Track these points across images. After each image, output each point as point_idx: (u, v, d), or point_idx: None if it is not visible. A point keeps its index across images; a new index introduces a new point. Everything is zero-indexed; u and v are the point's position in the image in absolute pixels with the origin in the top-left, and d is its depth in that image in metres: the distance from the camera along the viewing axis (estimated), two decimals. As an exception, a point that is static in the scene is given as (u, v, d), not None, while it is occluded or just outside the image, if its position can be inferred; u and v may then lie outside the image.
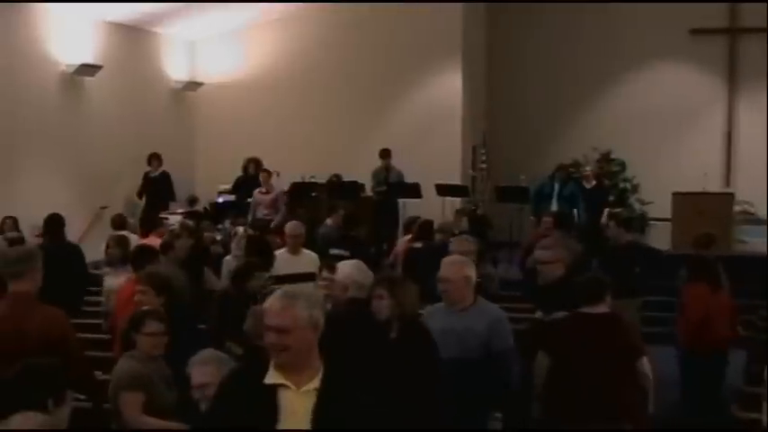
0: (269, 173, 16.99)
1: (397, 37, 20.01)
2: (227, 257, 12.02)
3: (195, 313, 9.28)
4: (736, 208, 18.91)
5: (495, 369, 6.91)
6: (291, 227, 11.24)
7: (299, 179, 18.72)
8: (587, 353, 7.13)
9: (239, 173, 18.51)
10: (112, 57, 18.26)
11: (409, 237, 13.87)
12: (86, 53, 17.61)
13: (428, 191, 18.02)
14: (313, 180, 18.78)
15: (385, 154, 18.40)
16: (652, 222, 20.38)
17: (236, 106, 20.89)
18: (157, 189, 17.84)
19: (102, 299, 10.58)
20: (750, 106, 20.91)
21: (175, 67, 20.79)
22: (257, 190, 16.57)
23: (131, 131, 18.71)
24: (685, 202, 18.21)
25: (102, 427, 6.83)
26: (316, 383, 4.27)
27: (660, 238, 19.10)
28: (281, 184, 18.61)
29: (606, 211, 16.38)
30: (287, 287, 5.01)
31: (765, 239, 17.35)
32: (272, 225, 15.40)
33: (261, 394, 4.25)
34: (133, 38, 19.24)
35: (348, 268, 7.60)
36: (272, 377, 4.28)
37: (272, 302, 4.39)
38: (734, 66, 20.98)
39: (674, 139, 20.94)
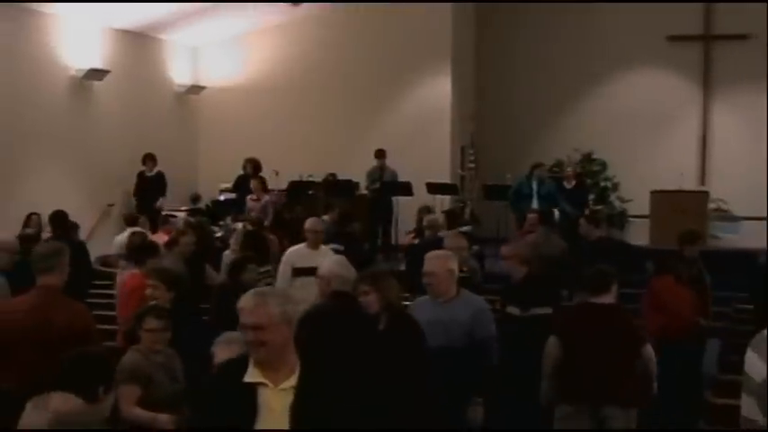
0: (261, 181, 16.82)
1: (389, 42, 20.00)
2: (226, 252, 12.05)
3: (197, 307, 9.29)
4: (711, 206, 19.00)
5: (478, 356, 6.97)
6: (311, 223, 10.97)
7: (296, 178, 18.71)
8: (595, 340, 7.27)
9: (240, 172, 18.49)
10: (119, 62, 18.26)
11: (412, 233, 14.01)
12: (95, 58, 17.62)
13: (419, 189, 18.02)
14: (310, 179, 18.76)
15: (380, 154, 18.42)
16: (631, 219, 20.43)
17: (236, 109, 20.88)
18: (152, 188, 17.72)
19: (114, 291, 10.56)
20: (724, 110, 20.94)
21: (179, 72, 20.77)
22: (249, 197, 16.44)
23: (137, 133, 18.70)
24: (663, 200, 18.29)
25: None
26: (293, 381, 4.24)
27: (639, 235, 19.23)
28: (280, 182, 18.67)
29: (586, 210, 16.41)
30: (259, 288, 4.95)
31: (738, 235, 17.43)
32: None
33: (240, 393, 4.22)
34: (139, 44, 19.22)
35: (329, 263, 7.55)
36: (251, 375, 4.25)
37: (245, 301, 4.34)
38: (708, 71, 20.97)
39: (652, 140, 20.94)
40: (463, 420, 6.93)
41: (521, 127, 21.59)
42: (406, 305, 7.44)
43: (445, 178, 19.35)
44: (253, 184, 16.75)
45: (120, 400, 6.11)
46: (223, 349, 5.71)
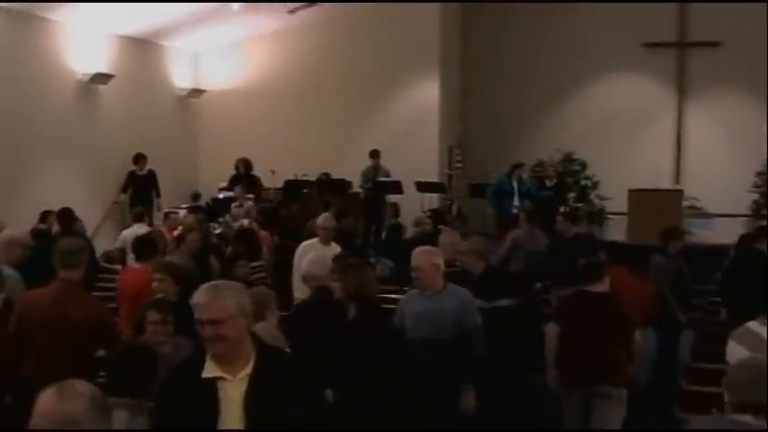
0: (243, 189, 16.70)
1: (379, 48, 20.02)
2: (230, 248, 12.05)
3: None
4: (685, 203, 19.03)
5: (466, 345, 6.98)
6: (323, 220, 11.02)
7: (292, 177, 18.76)
8: (588, 325, 7.48)
9: (233, 172, 18.57)
10: (124, 67, 18.24)
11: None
12: (100, 63, 17.60)
13: (409, 188, 18.07)
14: (305, 178, 18.80)
15: (374, 154, 18.40)
16: (610, 216, 20.47)
17: (235, 111, 20.88)
18: (144, 186, 17.60)
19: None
20: (697, 113, 21.00)
21: (180, 77, 20.74)
22: (234, 204, 16.33)
23: (140, 134, 18.67)
24: (640, 198, 18.31)
25: None
26: (248, 370, 4.11)
27: (617, 231, 19.29)
28: (277, 181, 18.72)
29: (562, 208, 16.44)
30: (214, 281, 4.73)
31: (711, 231, 17.50)
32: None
33: (200, 389, 4.08)
34: (142, 50, 19.20)
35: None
36: (209, 371, 4.11)
37: (199, 296, 4.17)
38: (683, 76, 21.02)
39: (629, 141, 20.99)
40: (457, 407, 6.95)
41: (505, 128, 21.59)
42: (398, 298, 7.51)
43: (433, 177, 19.40)
44: (237, 191, 16.63)
45: None
46: None
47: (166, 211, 16.45)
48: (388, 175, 18.29)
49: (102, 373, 6.69)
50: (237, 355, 4.13)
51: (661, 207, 17.76)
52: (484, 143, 21.42)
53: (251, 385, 4.06)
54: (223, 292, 4.16)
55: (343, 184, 18.64)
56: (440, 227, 12.63)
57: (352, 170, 18.75)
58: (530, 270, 12.44)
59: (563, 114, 21.63)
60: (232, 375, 4.09)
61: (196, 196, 19.02)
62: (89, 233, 14.28)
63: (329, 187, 18.29)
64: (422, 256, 7.15)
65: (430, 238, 10.11)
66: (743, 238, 12.67)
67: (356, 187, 18.76)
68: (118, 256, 13.41)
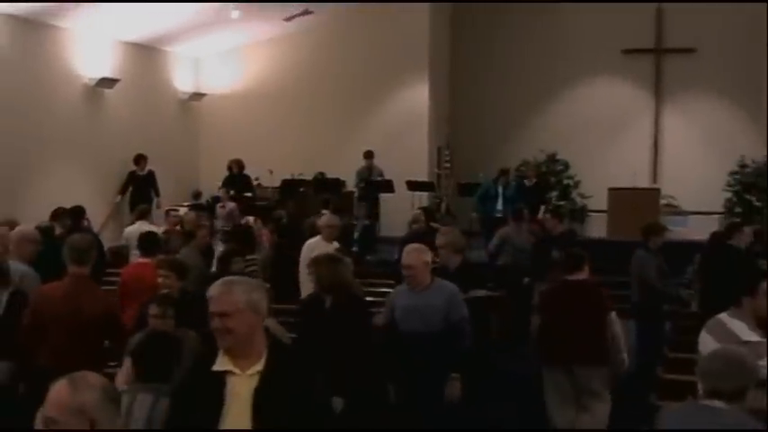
0: (227, 191, 16.68)
1: (372, 53, 20.04)
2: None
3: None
4: (662, 201, 19.08)
5: (453, 337, 6.99)
6: (328, 219, 11.04)
7: (288, 176, 18.74)
8: (570, 310, 7.76)
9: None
10: (128, 71, 18.22)
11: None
12: (106, 68, 17.58)
13: (400, 187, 18.11)
14: (301, 177, 18.79)
15: (368, 155, 18.46)
16: (591, 214, 20.52)
17: (234, 114, 20.88)
18: (144, 186, 17.53)
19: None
20: (673, 116, 21.07)
21: (182, 81, 20.71)
22: (218, 204, 16.32)
23: (144, 136, 18.63)
24: (619, 197, 18.35)
25: None
26: (259, 367, 3.98)
27: (598, 228, 19.35)
28: (274, 180, 18.75)
29: (542, 206, 16.46)
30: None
31: (686, 228, 17.55)
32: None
33: (209, 381, 3.98)
34: (146, 55, 19.19)
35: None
36: (220, 364, 4.01)
37: (212, 290, 4.09)
38: (660, 81, 21.08)
39: (609, 142, 21.05)
40: (442, 396, 6.97)
41: (491, 129, 21.62)
42: (389, 292, 7.57)
43: (423, 177, 19.43)
44: (221, 192, 16.59)
45: (120, 370, 6.27)
46: None
47: (167, 209, 16.47)
48: (381, 175, 18.34)
49: (111, 364, 6.78)
50: (248, 350, 4.02)
51: (639, 205, 17.81)
52: (471, 144, 21.45)
53: (261, 383, 3.95)
54: (235, 287, 4.08)
55: (338, 183, 18.67)
56: (431, 224, 12.69)
57: (346, 170, 18.79)
58: (517, 264, 12.52)
59: (547, 117, 21.66)
60: (242, 371, 3.98)
61: (197, 195, 19.03)
62: (97, 227, 14.30)
63: (324, 186, 18.30)
64: (414, 255, 7.15)
65: (423, 237, 10.16)
66: (714, 235, 12.77)
67: (350, 186, 18.79)
68: (122, 253, 13.41)
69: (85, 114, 17.28)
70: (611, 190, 18.51)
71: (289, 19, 19.35)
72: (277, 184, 18.77)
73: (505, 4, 21.28)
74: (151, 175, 17.65)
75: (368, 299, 9.35)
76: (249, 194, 18.05)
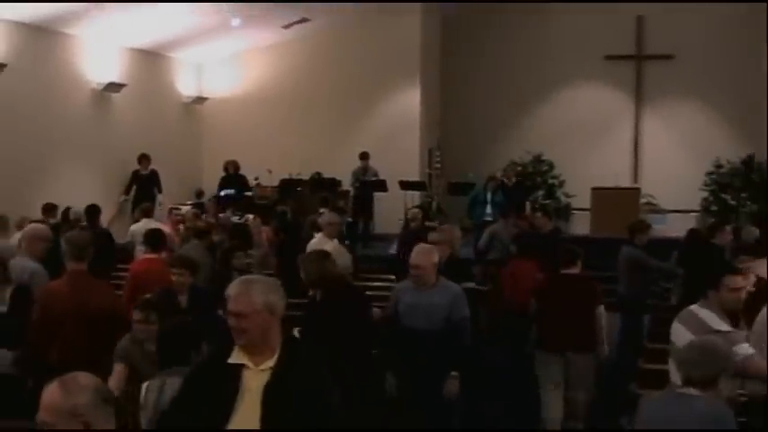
0: (213, 204, 16.27)
1: (366, 59, 20.05)
2: None
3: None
4: (642, 200, 19.14)
5: (455, 336, 6.94)
6: (329, 216, 11.06)
7: (287, 176, 18.77)
8: (563, 301, 8.04)
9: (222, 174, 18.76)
10: (134, 76, 18.25)
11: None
12: (113, 73, 17.61)
13: (393, 186, 18.15)
14: (299, 177, 18.80)
15: (364, 156, 18.48)
16: (575, 212, 20.57)
17: (235, 117, 20.87)
18: (148, 185, 17.42)
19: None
20: (653, 118, 21.14)
21: (185, 85, 20.73)
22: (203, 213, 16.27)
23: (149, 138, 18.62)
24: (602, 196, 18.39)
25: None
26: (271, 363, 3.93)
27: (581, 225, 19.41)
28: (273, 180, 18.79)
29: (528, 203, 16.49)
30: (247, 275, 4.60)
31: (665, 225, 17.61)
32: None
33: (224, 373, 3.93)
34: (151, 61, 19.20)
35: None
36: (235, 357, 3.96)
37: (231, 289, 4.03)
38: (640, 85, 21.13)
39: (592, 144, 21.09)
40: (441, 393, 6.95)
41: (480, 132, 21.63)
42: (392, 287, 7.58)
43: (415, 176, 19.44)
44: (207, 206, 16.21)
45: (112, 376, 6.04)
46: None
47: (170, 207, 16.48)
48: (376, 175, 18.36)
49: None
50: (262, 347, 3.97)
51: (621, 204, 17.87)
52: (461, 145, 21.46)
53: (271, 378, 3.90)
54: (252, 287, 4.00)
55: (334, 183, 18.70)
56: (426, 223, 12.77)
57: (341, 170, 18.82)
58: (505, 259, 12.55)
59: (533, 119, 21.70)
60: (255, 365, 3.93)
61: (200, 194, 19.05)
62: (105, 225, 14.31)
63: (321, 186, 18.34)
64: (423, 256, 7.09)
65: (420, 234, 10.26)
66: (691, 231, 12.88)
67: (346, 186, 18.83)
68: (127, 249, 13.41)
69: (93, 117, 17.30)
70: (594, 189, 18.55)
71: (287, 26, 19.40)
72: (276, 183, 18.80)
73: (494, 14, 21.35)
74: (154, 173, 17.62)
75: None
76: (249, 193, 18.11)
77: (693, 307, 6.01)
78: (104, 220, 15.72)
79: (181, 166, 19.86)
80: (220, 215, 14.94)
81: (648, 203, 19.61)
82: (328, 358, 5.70)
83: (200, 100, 21.14)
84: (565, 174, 21.04)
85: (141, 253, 10.47)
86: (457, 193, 18.43)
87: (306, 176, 18.85)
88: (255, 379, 3.91)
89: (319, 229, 11.18)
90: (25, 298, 6.91)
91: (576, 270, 8.32)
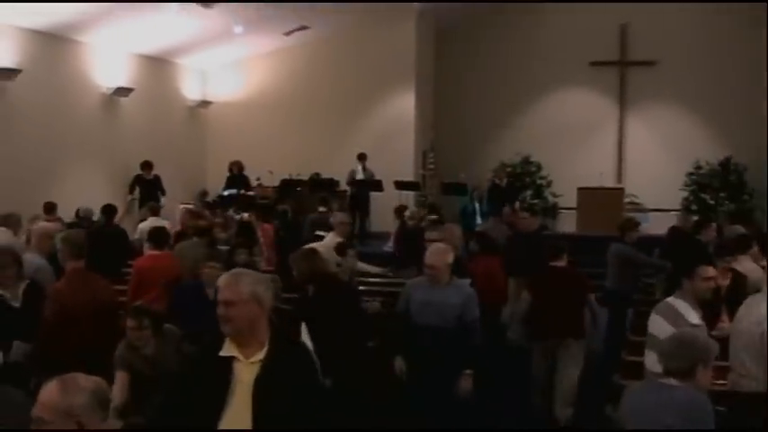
0: (202, 202, 16.50)
1: (363, 65, 20.08)
2: None
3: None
4: (626, 200, 19.20)
5: (467, 335, 6.86)
6: (341, 216, 11.04)
7: (287, 177, 18.80)
8: (555, 291, 8.19)
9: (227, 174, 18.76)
10: (142, 81, 18.26)
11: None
12: (121, 79, 17.64)
13: (388, 186, 18.17)
14: (299, 177, 18.83)
15: (361, 157, 18.51)
16: (562, 211, 20.62)
17: (237, 120, 20.90)
18: (152, 189, 17.19)
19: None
20: (636, 122, 21.17)
21: (190, 90, 20.73)
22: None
23: (156, 140, 18.69)
24: (587, 195, 18.48)
25: None
26: (261, 356, 3.91)
27: (568, 223, 19.46)
28: (273, 180, 18.80)
29: (517, 203, 16.49)
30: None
31: (647, 224, 17.64)
32: None
33: (215, 366, 3.90)
34: (158, 67, 19.21)
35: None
36: (225, 350, 3.93)
37: (220, 279, 4.06)
38: (624, 90, 21.18)
39: (578, 145, 21.11)
40: (455, 389, 6.85)
41: (471, 134, 21.67)
42: (404, 283, 7.57)
43: (409, 177, 19.46)
44: (196, 205, 16.25)
45: (115, 384, 5.93)
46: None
47: (182, 205, 16.49)
48: (372, 175, 18.39)
49: None
50: (251, 339, 3.94)
51: (605, 203, 17.96)
52: (453, 147, 21.49)
53: (261, 371, 3.88)
54: (241, 278, 4.01)
55: (332, 183, 18.71)
56: (430, 216, 12.88)
57: (339, 170, 18.84)
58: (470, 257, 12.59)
59: (522, 122, 21.72)
60: (245, 358, 3.91)
61: (204, 194, 19.02)
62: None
63: (320, 186, 18.35)
64: (437, 256, 6.94)
65: (417, 232, 10.31)
66: (672, 229, 12.92)
67: (343, 186, 18.85)
68: (135, 246, 13.42)
69: (103, 121, 17.31)
70: (580, 189, 18.64)
71: (288, 33, 19.43)
72: (276, 183, 18.80)
73: (485, 25, 21.44)
74: (157, 179, 17.55)
75: (360, 288, 9.48)
76: (251, 193, 18.13)
77: (670, 299, 6.06)
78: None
79: (186, 167, 19.89)
80: (225, 214, 14.98)
81: (632, 203, 19.65)
82: (324, 350, 5.78)
83: (205, 104, 21.15)
84: (552, 174, 21.07)
85: (148, 250, 10.50)
86: (449, 193, 18.47)
87: (305, 177, 18.88)
88: (246, 371, 3.88)
89: (318, 228, 11.21)
90: (37, 294, 6.86)
91: (562, 263, 8.47)
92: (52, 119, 15.69)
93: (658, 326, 5.86)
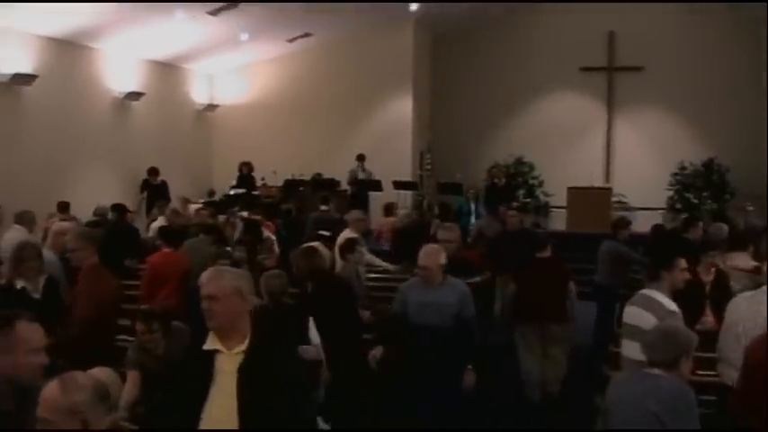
0: (185, 201, 16.35)
1: (362, 69, 20.10)
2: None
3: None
4: (613, 199, 19.23)
5: (465, 332, 6.77)
6: (357, 213, 11.09)
7: (290, 177, 18.84)
8: (540, 280, 8.65)
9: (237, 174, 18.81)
10: (152, 86, 18.30)
11: (392, 219, 14.42)
12: (133, 83, 17.70)
13: (387, 186, 18.22)
14: (301, 177, 18.88)
15: (360, 158, 18.56)
16: (553, 209, 20.65)
17: (243, 123, 20.94)
18: (158, 193, 17.00)
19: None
20: (624, 124, 21.15)
21: (198, 94, 20.77)
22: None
23: (165, 142, 18.74)
24: (577, 195, 18.47)
25: None
26: (243, 347, 3.91)
27: (559, 222, 19.49)
28: (277, 180, 18.84)
29: (515, 203, 16.55)
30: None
31: (634, 222, 17.68)
32: None
33: (199, 359, 3.92)
34: (167, 72, 19.24)
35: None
36: (210, 343, 3.95)
37: (204, 275, 4.06)
38: (612, 94, 21.18)
39: (568, 147, 21.12)
40: (459, 385, 6.77)
41: (467, 135, 21.66)
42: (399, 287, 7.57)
43: (407, 177, 19.52)
44: (180, 203, 15.96)
45: (126, 385, 5.91)
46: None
47: (192, 204, 16.54)
48: (370, 176, 18.43)
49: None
50: (232, 330, 3.95)
51: (594, 202, 17.99)
52: (450, 148, 21.51)
53: (243, 361, 3.88)
54: (224, 274, 4.06)
55: (333, 183, 18.76)
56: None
57: (340, 171, 18.89)
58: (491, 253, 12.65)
59: (515, 124, 21.71)
60: (228, 350, 3.92)
61: (211, 193, 19.10)
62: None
63: (321, 185, 18.39)
64: (430, 257, 6.81)
65: (415, 230, 10.37)
66: (655, 227, 13.02)
67: (344, 185, 18.89)
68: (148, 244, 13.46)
69: (115, 124, 17.36)
70: (570, 189, 18.65)
71: (291, 40, 19.47)
72: (280, 183, 18.84)
73: (480, 29, 21.45)
74: (164, 184, 17.51)
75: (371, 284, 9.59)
76: (256, 192, 18.18)
77: (645, 291, 6.04)
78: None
79: (193, 167, 19.94)
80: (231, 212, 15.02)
81: (619, 202, 19.67)
82: (324, 342, 5.82)
83: (212, 107, 21.18)
84: (544, 174, 21.06)
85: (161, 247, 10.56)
86: (446, 193, 18.50)
87: (307, 177, 18.92)
88: (229, 362, 3.89)
89: (320, 226, 11.26)
90: (55, 287, 6.93)
91: (546, 254, 8.87)
92: (67, 122, 15.75)
93: (637, 316, 5.88)
